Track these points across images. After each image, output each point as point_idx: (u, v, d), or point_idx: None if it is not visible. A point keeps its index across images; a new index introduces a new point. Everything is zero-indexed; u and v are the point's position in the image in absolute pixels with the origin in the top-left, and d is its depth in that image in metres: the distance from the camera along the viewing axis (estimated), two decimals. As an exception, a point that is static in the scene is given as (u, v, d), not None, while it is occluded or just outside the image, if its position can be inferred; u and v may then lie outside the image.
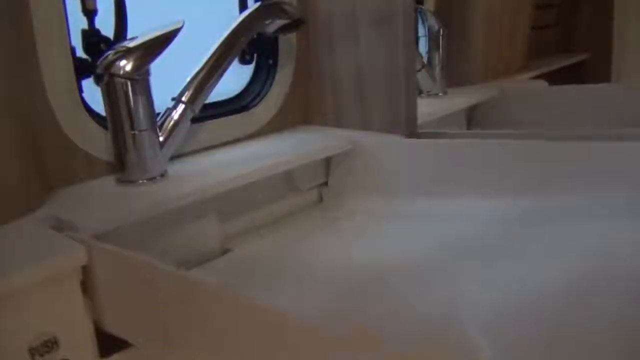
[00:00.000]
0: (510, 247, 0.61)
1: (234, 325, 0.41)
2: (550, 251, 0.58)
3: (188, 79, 0.72)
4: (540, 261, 0.57)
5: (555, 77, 0.96)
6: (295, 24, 0.82)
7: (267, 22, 0.80)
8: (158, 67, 0.67)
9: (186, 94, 0.71)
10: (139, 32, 0.67)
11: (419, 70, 0.98)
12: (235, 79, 0.88)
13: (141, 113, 0.65)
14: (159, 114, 0.70)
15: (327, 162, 0.84)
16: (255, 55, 0.89)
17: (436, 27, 1.01)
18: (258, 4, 0.78)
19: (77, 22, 0.68)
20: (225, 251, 0.70)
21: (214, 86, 0.74)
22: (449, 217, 0.70)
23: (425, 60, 1.02)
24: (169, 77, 0.71)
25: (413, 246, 0.65)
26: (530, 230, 0.63)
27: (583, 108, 0.89)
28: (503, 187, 0.68)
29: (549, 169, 0.65)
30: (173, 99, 0.71)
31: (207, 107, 0.83)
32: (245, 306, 0.39)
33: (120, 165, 0.67)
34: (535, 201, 0.65)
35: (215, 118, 0.83)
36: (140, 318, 0.50)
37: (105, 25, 0.70)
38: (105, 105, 0.66)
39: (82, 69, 0.68)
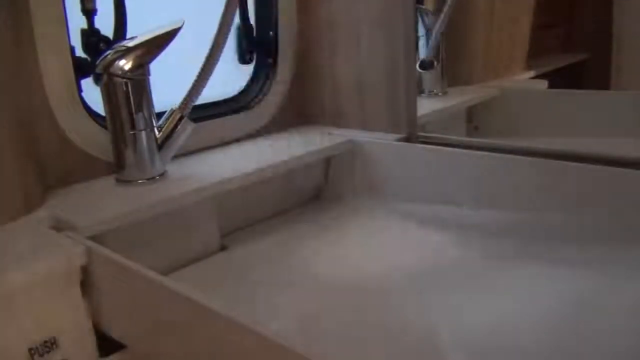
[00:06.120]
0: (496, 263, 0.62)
1: (212, 340, 0.41)
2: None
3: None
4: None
5: (556, 77, 0.96)
6: None
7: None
8: (162, 66, 0.67)
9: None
10: (138, 31, 0.67)
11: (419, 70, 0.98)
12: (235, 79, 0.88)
13: (140, 113, 0.65)
14: (163, 113, 0.70)
15: (327, 162, 0.84)
16: (255, 55, 0.89)
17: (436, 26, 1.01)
18: None
19: (77, 22, 0.67)
20: (222, 248, 0.70)
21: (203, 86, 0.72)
22: (443, 224, 0.70)
23: (425, 60, 1.02)
24: (174, 77, 0.71)
25: (405, 254, 0.66)
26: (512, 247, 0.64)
27: (584, 110, 0.89)
28: (496, 199, 0.69)
29: (544, 185, 0.66)
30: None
31: (207, 106, 0.83)
32: (220, 320, 0.39)
33: (119, 165, 0.67)
34: (527, 217, 0.66)
35: (215, 118, 0.83)
36: (131, 321, 0.50)
37: (105, 24, 0.70)
38: (104, 105, 0.66)
39: (81, 69, 0.68)
